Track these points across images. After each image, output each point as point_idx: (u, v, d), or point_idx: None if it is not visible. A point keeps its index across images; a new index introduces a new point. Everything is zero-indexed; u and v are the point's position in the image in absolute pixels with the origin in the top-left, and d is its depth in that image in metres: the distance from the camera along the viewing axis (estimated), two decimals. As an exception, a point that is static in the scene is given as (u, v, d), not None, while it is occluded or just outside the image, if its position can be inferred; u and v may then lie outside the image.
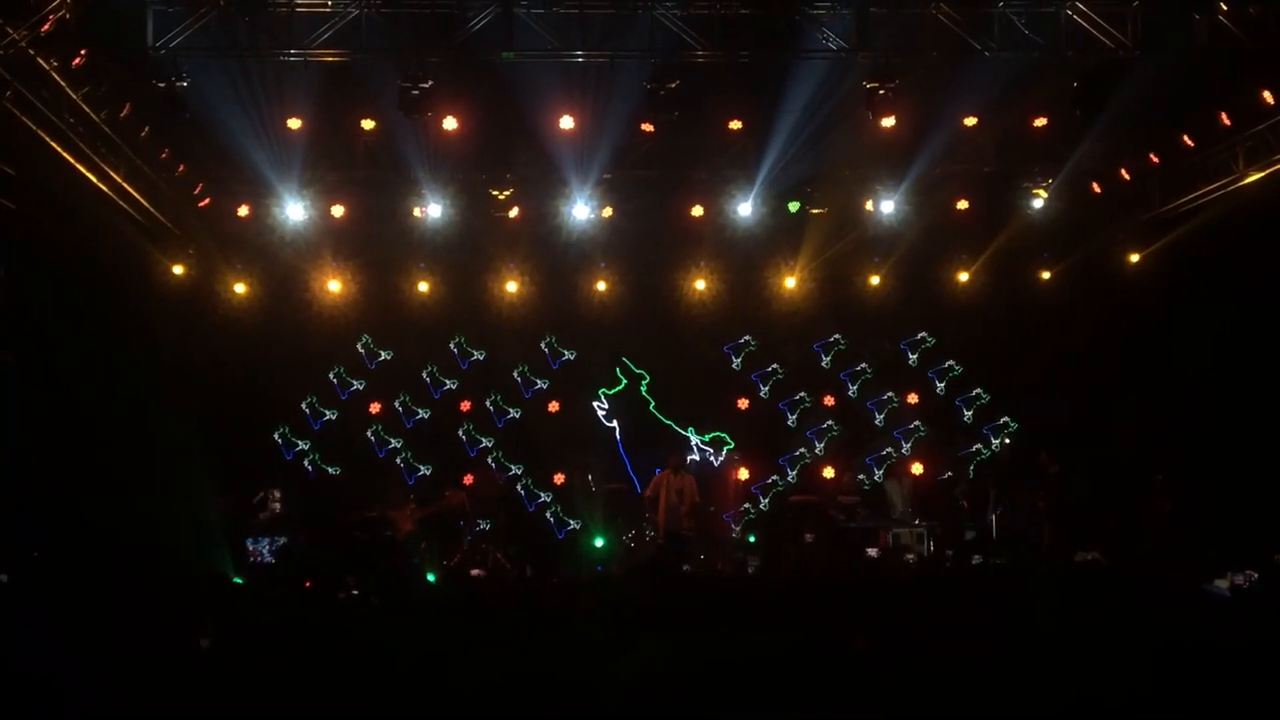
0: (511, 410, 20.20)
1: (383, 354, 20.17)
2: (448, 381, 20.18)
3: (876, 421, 20.53)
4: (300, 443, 19.82)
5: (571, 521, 19.81)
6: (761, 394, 20.47)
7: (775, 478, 20.30)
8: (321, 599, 10.80)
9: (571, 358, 20.38)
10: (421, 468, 19.93)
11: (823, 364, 20.61)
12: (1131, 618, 8.72)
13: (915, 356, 20.69)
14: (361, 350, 20.13)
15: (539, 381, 20.28)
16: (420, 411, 20.08)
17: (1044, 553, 17.15)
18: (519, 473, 20.05)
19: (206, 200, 18.61)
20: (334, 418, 19.93)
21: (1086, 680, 7.59)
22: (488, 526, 18.31)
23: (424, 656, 7.77)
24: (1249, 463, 16.88)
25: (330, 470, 19.85)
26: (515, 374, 20.24)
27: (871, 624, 8.52)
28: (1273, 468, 16.43)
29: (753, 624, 8.34)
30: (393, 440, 19.99)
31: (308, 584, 12.87)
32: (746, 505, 20.03)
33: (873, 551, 17.33)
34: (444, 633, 8.48)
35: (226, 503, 17.50)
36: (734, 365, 20.50)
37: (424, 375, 20.14)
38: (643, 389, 20.25)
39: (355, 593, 12.10)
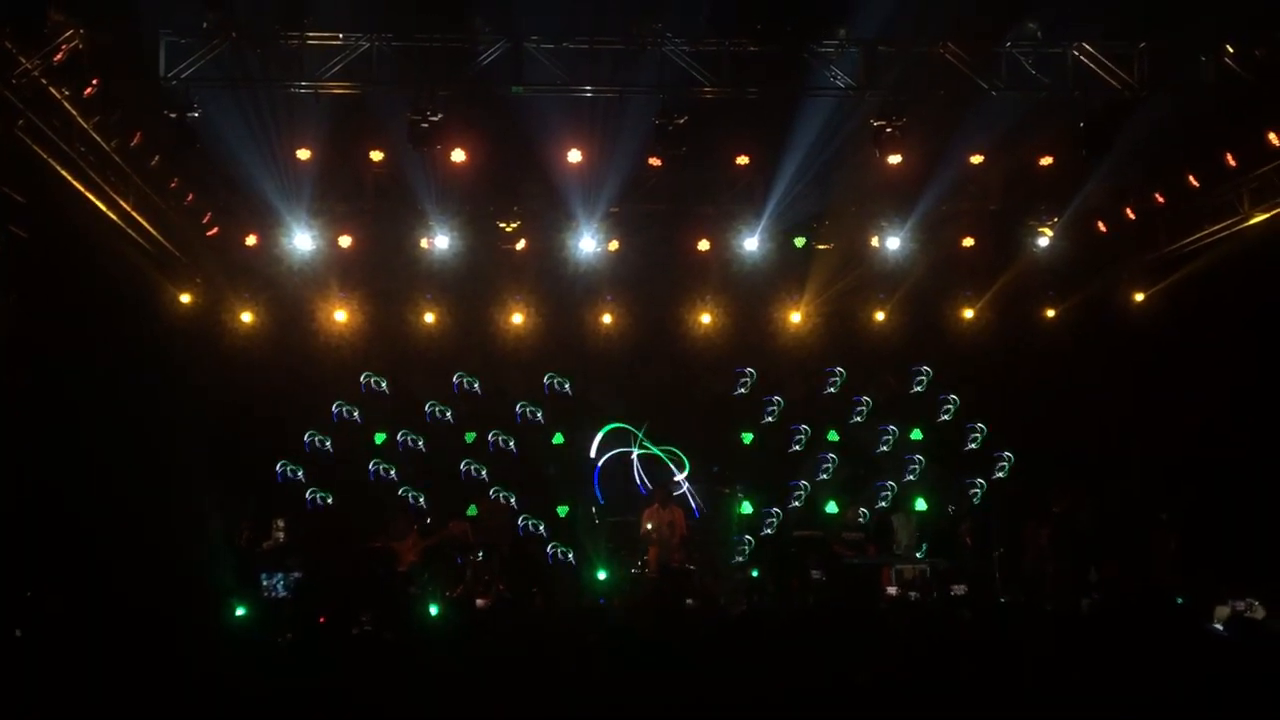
0: (515, 441, 20.18)
1: (387, 384, 20.16)
2: (451, 412, 20.18)
3: (879, 456, 20.51)
4: (304, 472, 19.79)
5: (574, 553, 19.74)
6: (764, 423, 20.44)
7: (777, 511, 20.27)
8: (337, 634, 10.76)
9: (577, 390, 20.37)
10: (424, 499, 19.88)
11: (825, 397, 20.60)
12: (1136, 656, 8.70)
13: (919, 392, 20.69)
14: (366, 380, 20.13)
15: (543, 413, 20.27)
16: (424, 442, 20.06)
17: (1048, 590, 17.08)
18: (522, 504, 20.02)
19: (215, 229, 18.66)
20: (338, 448, 19.90)
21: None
22: (490, 558, 18.23)
23: (429, 690, 7.77)
24: (1255, 500, 16.84)
25: (333, 501, 19.78)
26: (519, 406, 20.22)
27: (876, 661, 8.51)
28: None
29: (759, 661, 8.32)
30: (396, 471, 19.96)
31: (321, 619, 12.81)
32: (749, 538, 20.01)
33: (892, 590, 17.21)
34: (448, 666, 8.47)
35: (231, 531, 17.46)
36: (738, 391, 20.46)
37: (428, 406, 20.11)
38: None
39: (368, 628, 12.03)
